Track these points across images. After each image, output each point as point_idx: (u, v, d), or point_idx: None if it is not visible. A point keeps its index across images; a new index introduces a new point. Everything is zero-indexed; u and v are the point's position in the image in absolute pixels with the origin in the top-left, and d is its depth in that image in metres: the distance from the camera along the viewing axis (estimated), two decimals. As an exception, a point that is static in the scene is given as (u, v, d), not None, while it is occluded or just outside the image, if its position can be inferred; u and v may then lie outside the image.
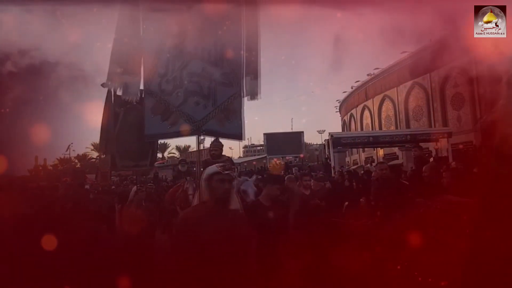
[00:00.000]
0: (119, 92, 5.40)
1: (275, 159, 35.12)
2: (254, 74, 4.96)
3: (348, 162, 35.54)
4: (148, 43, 4.69)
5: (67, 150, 40.43)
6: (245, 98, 4.94)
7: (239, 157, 57.04)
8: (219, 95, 4.63)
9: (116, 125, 6.26)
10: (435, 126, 25.51)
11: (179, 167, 9.30)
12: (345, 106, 41.98)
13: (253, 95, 4.94)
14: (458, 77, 24.31)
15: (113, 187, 12.54)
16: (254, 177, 6.29)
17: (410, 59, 27.68)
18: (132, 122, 6.27)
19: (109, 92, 6.19)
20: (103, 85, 5.75)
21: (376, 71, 32.98)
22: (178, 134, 4.62)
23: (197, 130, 4.51)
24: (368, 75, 34.39)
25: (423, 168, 5.47)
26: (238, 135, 4.87)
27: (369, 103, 34.97)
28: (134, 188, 6.70)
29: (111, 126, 6.20)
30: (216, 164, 2.72)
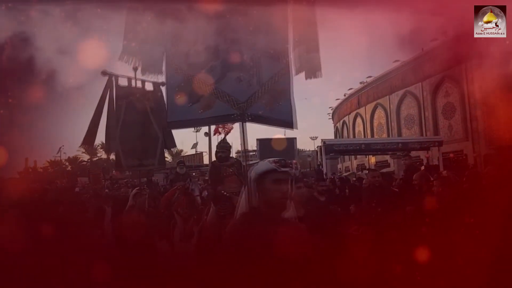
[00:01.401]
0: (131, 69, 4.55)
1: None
2: (312, 46, 3.80)
3: (340, 169, 35.66)
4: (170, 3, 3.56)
5: (58, 153, 40.03)
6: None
7: (232, 162, 56.74)
8: (265, 70, 3.56)
9: (119, 119, 5.66)
10: (426, 135, 25.73)
11: (178, 169, 8.89)
12: (338, 113, 42.18)
13: (312, 72, 3.85)
14: (449, 86, 24.59)
15: (106, 190, 12.21)
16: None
17: (402, 68, 27.99)
18: (136, 115, 5.74)
19: (109, 81, 5.51)
20: (103, 73, 5.34)
21: (368, 79, 33.24)
22: (214, 121, 3.68)
23: (242, 116, 3.36)
24: (361, 83, 34.66)
25: (413, 176, 5.52)
26: (289, 122, 3.78)
27: (361, 110, 35.19)
28: (134, 191, 6.17)
29: (112, 121, 5.55)
30: (270, 159, 2.13)
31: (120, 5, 3.84)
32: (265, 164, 2.10)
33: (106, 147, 5.81)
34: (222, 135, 6.21)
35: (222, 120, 3.65)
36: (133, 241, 4.63)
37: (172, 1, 3.56)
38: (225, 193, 5.41)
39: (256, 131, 22.65)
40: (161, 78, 4.17)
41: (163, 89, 6.15)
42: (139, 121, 5.72)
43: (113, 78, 5.54)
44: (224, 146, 5.92)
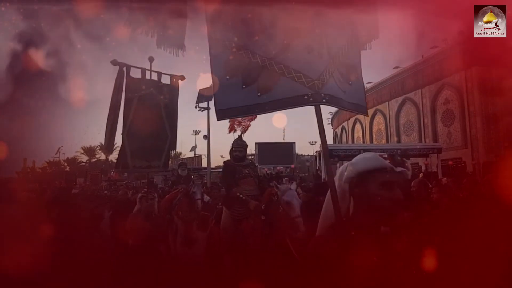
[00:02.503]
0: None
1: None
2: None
3: (338, 174, 35.61)
4: None
5: (56, 153, 40.03)
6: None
7: (230, 165, 56.72)
8: (332, 39, 2.66)
9: (128, 114, 5.13)
10: (425, 142, 25.75)
11: (179, 171, 8.51)
12: (337, 119, 42.22)
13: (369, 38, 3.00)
14: (449, 93, 24.64)
15: (105, 191, 12.02)
16: (294, 184, 5.09)
17: (402, 74, 28.06)
18: (147, 111, 5.21)
19: (120, 72, 5.05)
20: (113, 62, 4.95)
21: (368, 85, 33.29)
22: (279, 105, 2.48)
23: (317, 96, 2.41)
24: (360, 88, 34.66)
25: (412, 183, 5.52)
26: (362, 107, 2.95)
27: (360, 116, 35.19)
28: (139, 194, 5.91)
29: (115, 115, 5.00)
30: (375, 153, 1.58)
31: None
32: (371, 159, 1.50)
33: (105, 144, 5.09)
34: (238, 133, 5.80)
35: (291, 104, 2.52)
36: (138, 247, 4.30)
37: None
38: (241, 195, 5.01)
39: (254, 135, 22.58)
40: (181, 54, 3.18)
41: (181, 83, 5.74)
42: (150, 118, 5.20)
43: (125, 69, 5.10)
44: (241, 145, 5.49)
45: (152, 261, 4.16)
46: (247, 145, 5.57)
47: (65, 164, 47.30)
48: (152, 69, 5.47)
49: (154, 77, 5.49)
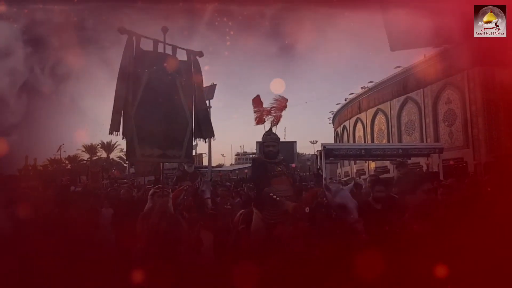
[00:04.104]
0: None
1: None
2: None
3: (339, 173, 35.61)
4: None
5: (58, 151, 40.04)
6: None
7: (231, 164, 56.86)
8: None
9: (136, 93, 4.37)
10: (427, 141, 25.69)
11: (185, 167, 7.88)
12: (338, 118, 42.14)
13: None
14: (451, 93, 24.59)
15: (109, 189, 11.53)
16: (351, 184, 4.67)
17: (404, 73, 27.98)
18: (161, 91, 4.53)
19: (129, 41, 4.36)
20: (120, 30, 4.34)
21: (370, 84, 33.23)
22: None
23: None
24: (362, 88, 34.64)
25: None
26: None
27: (362, 115, 35.14)
28: (151, 190, 5.39)
29: (129, 95, 4.28)
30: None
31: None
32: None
33: (111, 126, 4.29)
34: (268, 125, 5.07)
35: None
36: (149, 249, 3.93)
37: None
38: (274, 196, 4.42)
39: (256, 134, 22.62)
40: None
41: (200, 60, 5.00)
42: (164, 99, 4.55)
43: (134, 39, 4.41)
44: (275, 139, 4.88)
45: (169, 266, 3.75)
46: (280, 140, 4.96)
47: (66, 162, 47.37)
48: (166, 42, 4.76)
49: (168, 51, 4.81)
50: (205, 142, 5.18)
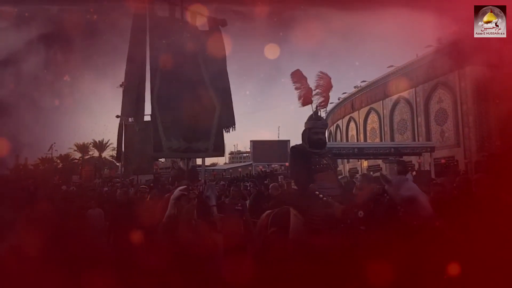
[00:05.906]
0: None
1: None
2: None
3: (332, 172, 35.67)
4: None
5: (49, 150, 39.67)
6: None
7: (225, 163, 56.82)
8: None
9: (156, 72, 3.37)
10: (418, 140, 25.89)
11: (181, 164, 6.05)
12: (332, 117, 42.29)
13: None
14: (442, 93, 24.80)
15: (105, 188, 10.79)
16: (410, 175, 3.50)
17: (396, 73, 28.17)
18: (182, 67, 3.50)
19: (139, 7, 3.39)
20: None
21: (363, 84, 33.39)
22: None
23: None
24: (355, 87, 34.80)
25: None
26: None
27: (355, 115, 35.32)
28: (176, 193, 4.22)
29: (144, 73, 3.25)
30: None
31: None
32: None
33: (123, 110, 3.34)
34: (314, 108, 4.06)
35: None
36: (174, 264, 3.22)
37: None
38: (320, 195, 3.58)
39: (250, 132, 22.55)
40: None
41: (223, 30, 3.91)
42: (186, 77, 3.55)
43: (147, 12, 3.52)
44: (325, 124, 3.97)
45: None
46: (327, 124, 4.03)
47: (58, 161, 46.96)
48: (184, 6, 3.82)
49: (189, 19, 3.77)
50: (226, 131, 4.14)
